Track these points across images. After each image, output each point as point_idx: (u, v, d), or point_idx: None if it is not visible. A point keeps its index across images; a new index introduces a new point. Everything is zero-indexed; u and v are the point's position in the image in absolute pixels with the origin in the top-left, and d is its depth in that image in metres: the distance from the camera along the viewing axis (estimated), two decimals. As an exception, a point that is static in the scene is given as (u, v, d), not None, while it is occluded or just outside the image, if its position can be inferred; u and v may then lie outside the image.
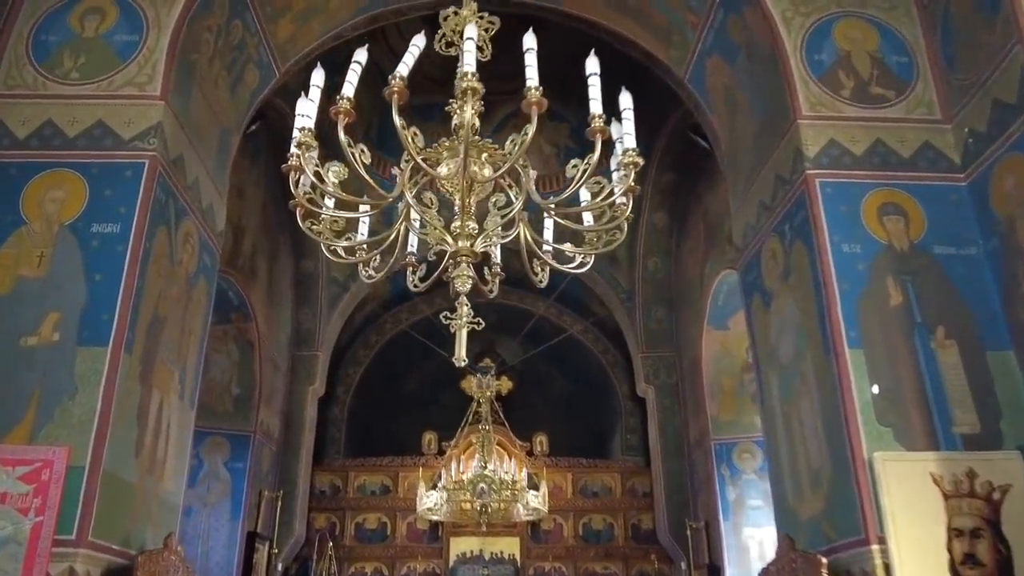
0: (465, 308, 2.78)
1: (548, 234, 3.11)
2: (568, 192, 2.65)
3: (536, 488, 9.84)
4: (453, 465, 9.94)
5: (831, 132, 5.89)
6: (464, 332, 2.77)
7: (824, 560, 4.53)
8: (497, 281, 3.24)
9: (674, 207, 12.46)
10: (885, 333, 5.25)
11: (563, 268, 3.07)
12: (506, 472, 9.76)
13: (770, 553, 10.46)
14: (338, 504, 12.98)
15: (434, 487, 9.83)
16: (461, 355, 2.76)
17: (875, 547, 4.59)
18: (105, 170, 5.41)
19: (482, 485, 9.42)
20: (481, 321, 2.83)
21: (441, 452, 12.44)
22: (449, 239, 2.72)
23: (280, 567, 11.66)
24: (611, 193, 2.70)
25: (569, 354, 16.01)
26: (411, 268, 3.22)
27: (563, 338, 15.74)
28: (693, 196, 11.65)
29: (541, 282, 3.14)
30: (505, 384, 11.38)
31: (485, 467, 9.65)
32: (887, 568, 4.49)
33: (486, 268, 3.22)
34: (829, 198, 5.64)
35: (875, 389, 5.04)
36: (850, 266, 5.45)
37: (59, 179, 5.37)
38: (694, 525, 11.52)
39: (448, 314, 2.85)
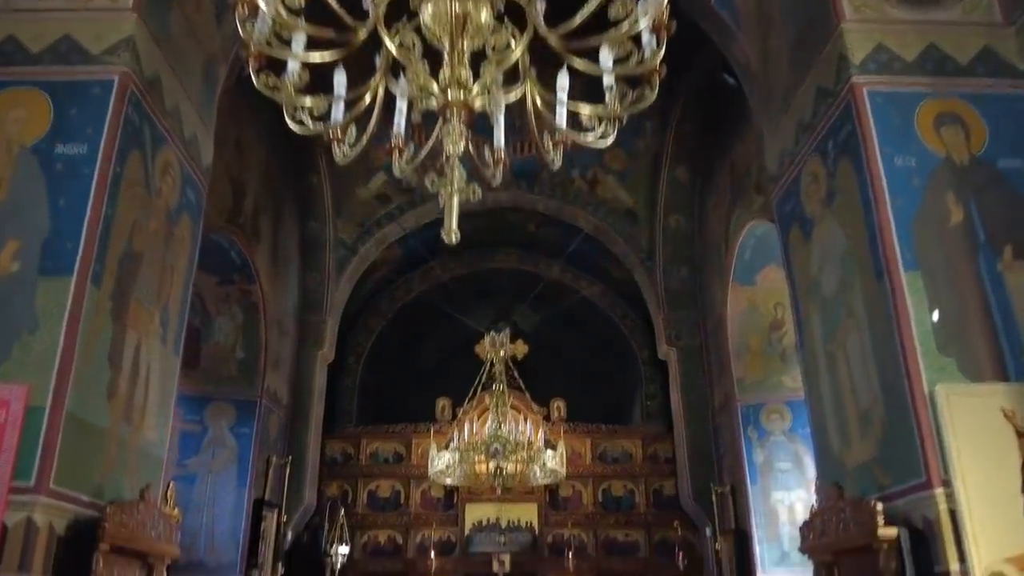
0: (456, 172, 2.23)
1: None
2: (584, 13, 2.08)
3: (553, 449, 9.33)
4: (466, 426, 9.45)
5: (879, 36, 5.25)
6: (455, 201, 2.22)
7: (879, 506, 3.97)
8: (500, 168, 2.66)
9: (697, 160, 11.86)
10: (945, 254, 4.65)
11: (581, 140, 2.51)
12: (521, 433, 9.26)
13: (801, 516, 9.97)
14: (350, 472, 12.61)
15: (447, 448, 9.34)
16: (451, 227, 2.21)
17: (939, 491, 4.03)
18: (71, 87, 4.89)
19: (496, 446, 8.93)
20: (477, 190, 2.28)
21: (455, 419, 12.00)
22: (436, 88, 2.17)
23: (290, 535, 11.29)
24: (641, 53, 2.13)
25: (586, 320, 15.50)
26: (397, 150, 2.66)
27: (580, 304, 15.21)
28: (717, 147, 11.04)
29: (553, 162, 2.58)
30: (520, 348, 10.84)
31: (500, 427, 9.16)
32: (952, 514, 3.94)
33: (487, 149, 2.65)
34: (879, 108, 5.02)
35: (935, 316, 4.46)
36: (904, 181, 4.84)
37: (21, 98, 4.86)
38: (719, 490, 11.03)
39: (436, 178, 2.30)
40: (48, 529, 3.84)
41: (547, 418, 12.38)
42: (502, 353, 10.15)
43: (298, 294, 12.15)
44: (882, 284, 4.65)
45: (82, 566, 3.84)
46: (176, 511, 7.53)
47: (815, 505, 7.54)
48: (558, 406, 12.76)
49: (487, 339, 10.25)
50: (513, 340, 10.63)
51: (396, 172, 2.61)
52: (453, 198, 2.21)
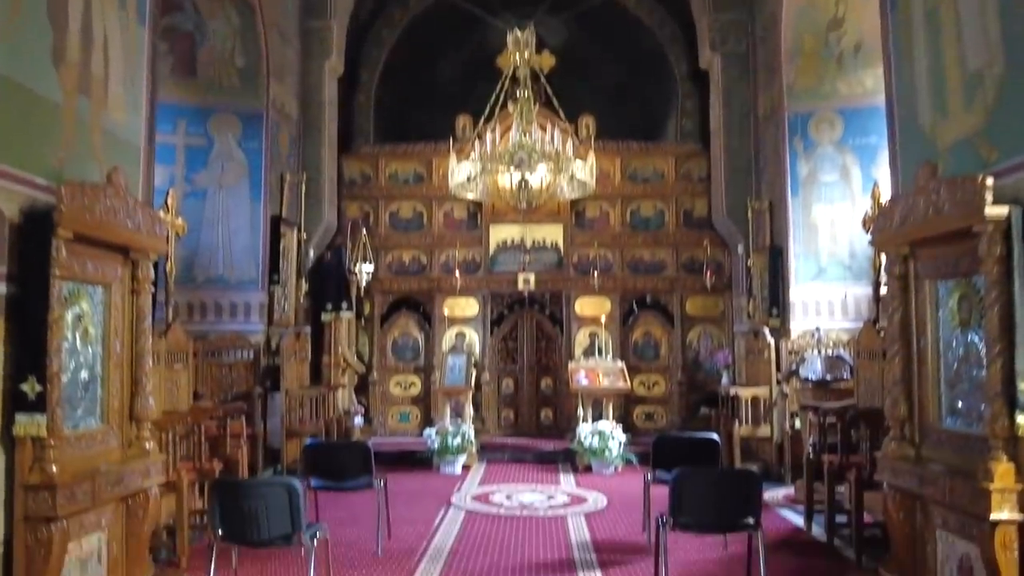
0: None
1: None
2: None
3: (583, 160, 8.64)
4: (488, 137, 8.71)
5: None
6: None
7: (989, 181, 3.26)
8: None
9: None
10: None
11: None
12: (549, 143, 8.53)
13: (843, 232, 9.48)
14: (370, 193, 12.19)
15: (468, 159, 8.69)
16: None
17: (1065, 160, 3.30)
18: None
19: (521, 155, 8.25)
20: None
21: (478, 138, 11.26)
22: None
23: (312, 253, 11.12)
24: None
25: (619, 31, 14.04)
26: None
27: (612, 12, 13.67)
28: None
29: None
30: (547, 60, 9.76)
31: (524, 136, 8.41)
32: (1082, 187, 3.23)
33: None
34: None
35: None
36: None
37: None
38: (756, 205, 10.53)
39: None
40: (-6, 212, 3.29)
41: (575, 135, 11.59)
42: (526, 55, 9.13)
43: (297, -4, 10.93)
44: (1024, -99, 3.56)
45: (44, 257, 3.32)
46: (180, 220, 7.14)
47: (866, 210, 6.94)
48: (587, 123, 11.87)
49: (510, 39, 9.17)
50: (538, 52, 9.56)
51: None
52: None
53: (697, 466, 5.44)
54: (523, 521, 6.86)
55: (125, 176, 3.95)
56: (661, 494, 4.80)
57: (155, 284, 4.19)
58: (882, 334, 6.37)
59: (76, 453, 3.54)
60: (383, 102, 13.77)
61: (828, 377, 7.67)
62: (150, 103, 5.90)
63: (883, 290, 7.23)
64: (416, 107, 14.09)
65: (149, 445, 4.02)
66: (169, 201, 6.74)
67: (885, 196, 6.28)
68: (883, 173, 7.46)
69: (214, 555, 4.24)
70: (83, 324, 3.73)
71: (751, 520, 4.34)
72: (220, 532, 4.18)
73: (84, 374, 3.73)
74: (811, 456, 6.36)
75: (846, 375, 7.60)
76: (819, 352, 8.39)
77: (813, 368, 7.87)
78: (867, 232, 7.93)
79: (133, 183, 4.37)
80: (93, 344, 3.81)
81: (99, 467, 3.61)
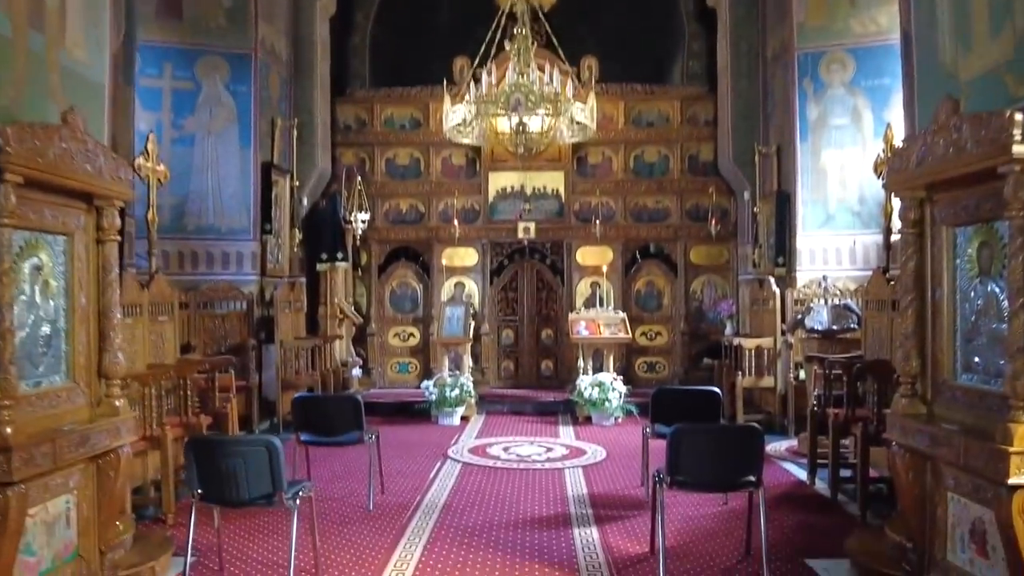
0: None
1: None
2: None
3: (583, 101, 8.29)
4: (484, 78, 8.36)
5: None
6: None
7: (1018, 116, 2.97)
8: None
9: None
10: None
11: None
12: (548, 85, 8.18)
13: (853, 178, 9.15)
14: (365, 139, 11.85)
15: (462, 101, 8.35)
16: None
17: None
18: None
19: (518, 96, 7.91)
20: None
21: (476, 80, 10.85)
22: None
23: (306, 201, 10.83)
24: None
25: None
26: None
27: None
28: None
29: None
30: (547, -1, 9.34)
31: (522, 76, 8.06)
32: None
33: None
34: None
35: None
36: None
37: None
38: (763, 150, 10.17)
39: None
40: (-63, 152, 3.02)
41: (577, 78, 11.17)
42: (524, -9, 8.72)
43: (286, -72, 10.42)
44: None
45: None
46: (162, 167, 6.85)
47: (878, 153, 6.62)
48: (589, 64, 11.42)
49: (507, -25, 8.75)
50: (538, -10, 9.14)
51: None
52: None
53: (697, 420, 5.25)
54: (520, 474, 6.72)
55: (84, 117, 3.67)
56: (660, 447, 4.61)
57: (121, 233, 3.94)
58: (892, 283, 6.13)
59: (37, 413, 3.35)
60: (378, 44, 13.28)
61: (834, 327, 7.43)
62: (124, 41, 5.61)
63: (894, 237, 6.96)
64: (413, 50, 13.58)
65: (119, 403, 3.82)
66: (149, 147, 6.45)
67: (899, 140, 5.97)
68: (896, 116, 7.14)
69: (193, 514, 4.08)
70: (43, 276, 3.50)
71: (752, 478, 4.16)
72: (199, 492, 4.02)
73: (45, 329, 3.51)
74: (815, 409, 6.17)
75: (853, 325, 7.37)
76: (826, 302, 8.15)
77: (819, 318, 7.63)
78: (879, 177, 7.63)
79: (98, 125, 4.10)
80: (55, 297, 3.58)
81: (62, 427, 3.42)
